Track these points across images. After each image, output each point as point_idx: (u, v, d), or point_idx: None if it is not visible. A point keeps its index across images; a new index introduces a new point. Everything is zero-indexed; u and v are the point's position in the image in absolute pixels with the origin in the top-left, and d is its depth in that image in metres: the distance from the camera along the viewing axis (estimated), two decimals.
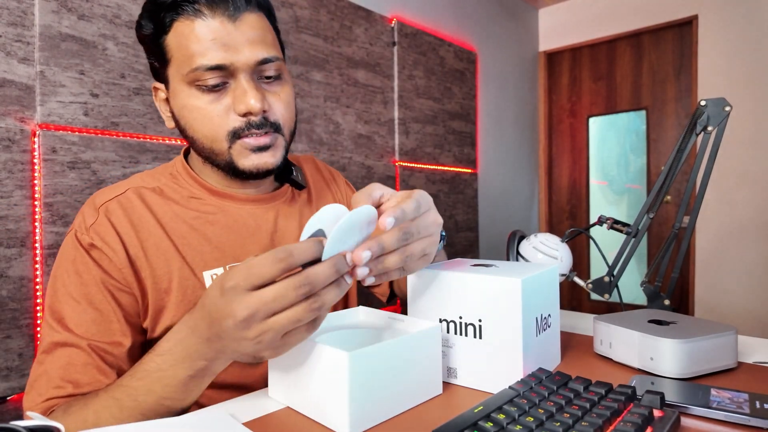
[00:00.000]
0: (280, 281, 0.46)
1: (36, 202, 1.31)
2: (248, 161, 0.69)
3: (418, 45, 2.57)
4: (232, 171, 0.71)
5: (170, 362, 0.54)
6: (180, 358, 0.53)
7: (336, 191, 0.93)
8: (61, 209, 1.34)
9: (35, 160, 1.31)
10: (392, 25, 2.43)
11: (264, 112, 0.68)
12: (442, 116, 2.73)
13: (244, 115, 0.67)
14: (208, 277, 0.71)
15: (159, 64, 0.70)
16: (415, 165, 2.55)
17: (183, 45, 0.65)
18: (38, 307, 1.30)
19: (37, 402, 0.61)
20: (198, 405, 0.70)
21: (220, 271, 0.72)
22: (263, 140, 0.69)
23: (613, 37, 3.35)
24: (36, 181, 1.31)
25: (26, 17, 1.30)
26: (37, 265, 1.30)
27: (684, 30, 3.10)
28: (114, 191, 0.72)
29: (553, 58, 3.69)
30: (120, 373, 0.64)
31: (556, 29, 3.59)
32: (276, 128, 0.70)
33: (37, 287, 1.30)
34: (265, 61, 0.67)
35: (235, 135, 0.68)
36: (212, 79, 0.65)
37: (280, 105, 0.70)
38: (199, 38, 0.64)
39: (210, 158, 0.71)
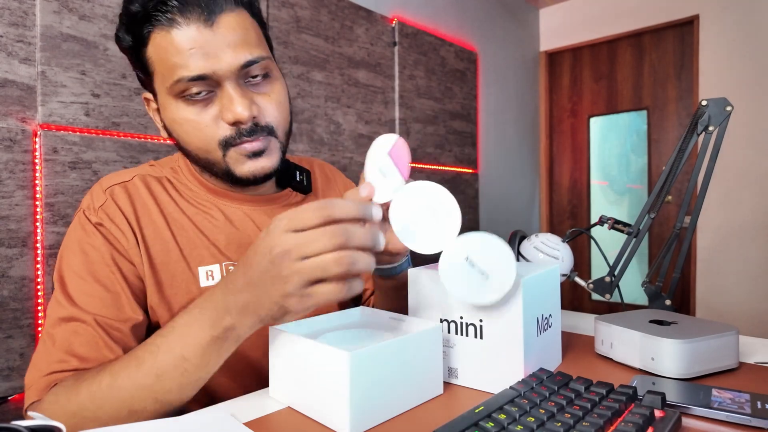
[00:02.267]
0: (318, 228, 0.48)
1: (37, 202, 1.31)
2: (245, 167, 0.68)
3: (419, 45, 2.57)
4: (230, 178, 0.70)
5: (197, 317, 0.54)
6: (207, 315, 0.53)
7: (343, 184, 0.92)
8: (62, 209, 1.34)
9: (36, 161, 1.31)
10: (393, 25, 2.43)
11: (254, 117, 0.66)
12: (442, 116, 2.73)
13: (233, 123, 0.65)
14: (203, 273, 0.70)
15: (144, 77, 0.68)
16: (416, 165, 2.55)
17: (163, 57, 0.63)
18: (39, 308, 1.30)
19: (38, 377, 0.60)
20: (203, 404, 0.70)
21: (215, 267, 0.71)
22: (257, 145, 0.67)
23: (614, 37, 3.35)
24: (37, 181, 1.31)
25: (27, 18, 1.30)
26: (38, 265, 1.30)
27: (685, 30, 3.10)
28: (121, 177, 0.72)
29: (554, 58, 3.69)
30: (127, 350, 0.62)
31: (557, 29, 3.59)
32: (269, 131, 0.68)
33: (39, 287, 1.30)
34: (249, 64, 0.64)
35: (227, 144, 0.66)
36: (196, 90, 0.63)
37: (270, 106, 0.68)
38: (178, 49, 0.62)
39: (207, 168, 0.70)
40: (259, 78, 0.67)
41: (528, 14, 3.55)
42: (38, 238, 1.31)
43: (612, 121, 3.45)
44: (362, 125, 2.26)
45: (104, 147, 1.42)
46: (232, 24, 0.64)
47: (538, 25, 3.67)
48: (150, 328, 0.70)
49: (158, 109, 0.71)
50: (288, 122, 0.72)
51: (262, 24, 0.71)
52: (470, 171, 2.94)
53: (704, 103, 0.87)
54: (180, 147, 0.71)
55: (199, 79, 0.62)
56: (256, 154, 0.68)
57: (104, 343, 0.61)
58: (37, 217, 1.31)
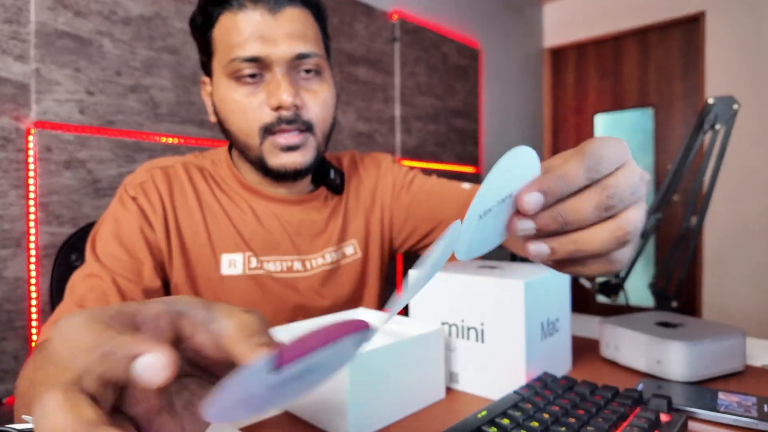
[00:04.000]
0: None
1: (31, 202, 1.30)
2: (278, 159, 0.71)
3: (420, 41, 2.55)
4: (262, 168, 0.73)
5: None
6: None
7: (375, 179, 0.88)
8: (56, 209, 1.33)
9: (30, 160, 1.30)
10: (394, 21, 2.41)
11: (297, 108, 0.68)
12: (444, 114, 2.72)
13: (276, 109, 0.68)
14: (225, 260, 0.73)
15: (206, 58, 0.72)
16: (417, 164, 2.54)
17: (225, 38, 0.68)
18: (33, 309, 1.29)
19: (48, 325, 0.61)
20: None
21: (239, 256, 0.74)
22: (293, 139, 0.70)
23: (619, 34, 3.33)
24: (31, 181, 1.30)
25: (22, 14, 1.29)
26: (32, 266, 1.29)
27: (691, 26, 3.07)
28: (165, 162, 0.77)
29: (558, 54, 3.67)
30: None
31: (561, 25, 3.57)
32: (308, 127, 0.71)
33: (32, 288, 1.29)
34: (302, 56, 0.68)
35: (267, 130, 0.69)
36: (249, 71, 0.67)
37: (315, 103, 0.71)
38: (240, 30, 0.66)
39: (244, 152, 0.73)
40: (310, 74, 0.70)
41: (531, 10, 3.53)
42: (32, 238, 1.29)
43: (617, 118, 3.43)
44: (362, 123, 2.25)
45: (99, 146, 1.41)
46: (294, 17, 0.68)
47: (541, 21, 3.65)
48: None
49: (212, 93, 0.74)
50: (329, 124, 0.75)
51: (325, 32, 0.75)
52: (472, 170, 2.93)
53: (711, 101, 0.86)
54: (223, 128, 0.74)
55: (253, 60, 0.66)
56: (291, 148, 0.70)
57: (115, 301, 0.63)
58: (31, 217, 1.30)
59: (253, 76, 0.68)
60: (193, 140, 1.63)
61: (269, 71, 0.68)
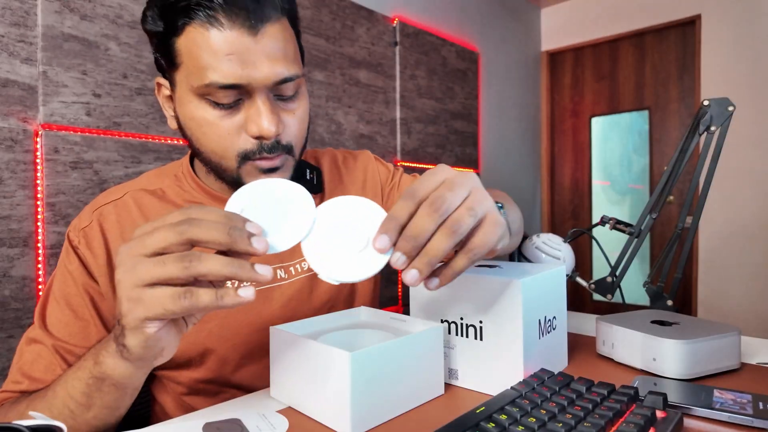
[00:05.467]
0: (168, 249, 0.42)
1: (38, 202, 1.31)
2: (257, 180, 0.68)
3: (420, 45, 2.56)
4: (238, 186, 0.69)
5: (91, 352, 0.53)
6: (95, 351, 0.51)
7: (362, 179, 0.86)
8: (63, 209, 1.34)
9: (38, 160, 1.31)
10: (394, 24, 2.43)
11: (278, 135, 0.63)
12: (444, 116, 2.73)
13: (257, 137, 0.62)
14: None
15: (166, 64, 0.64)
16: (417, 165, 2.55)
17: (195, 54, 0.58)
18: None
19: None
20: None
21: None
22: (275, 162, 0.65)
23: (615, 37, 3.34)
24: (38, 181, 1.31)
25: (29, 17, 1.30)
26: (39, 265, 1.31)
27: (687, 29, 3.09)
28: (113, 195, 0.71)
29: (555, 57, 3.68)
30: None
31: (559, 29, 3.58)
32: (288, 150, 0.66)
33: (40, 287, 1.30)
34: (284, 81, 0.61)
35: (246, 157, 0.63)
36: (225, 98, 0.60)
37: (294, 124, 0.65)
38: (214, 50, 0.57)
39: (216, 171, 0.67)
40: (288, 96, 0.65)
41: (529, 14, 3.55)
42: (39, 237, 1.31)
43: (614, 121, 3.44)
44: (363, 125, 2.26)
45: (105, 147, 1.42)
46: (275, 34, 0.60)
47: (539, 25, 3.67)
48: None
49: (170, 97, 0.67)
50: (305, 139, 0.70)
51: (298, 35, 0.68)
52: (471, 171, 2.94)
53: (706, 103, 0.87)
54: (191, 146, 0.67)
55: (231, 87, 0.59)
56: (271, 170, 0.65)
57: (61, 370, 0.61)
58: (39, 216, 1.31)
59: (229, 102, 0.61)
60: None
61: (248, 95, 0.61)
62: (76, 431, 0.53)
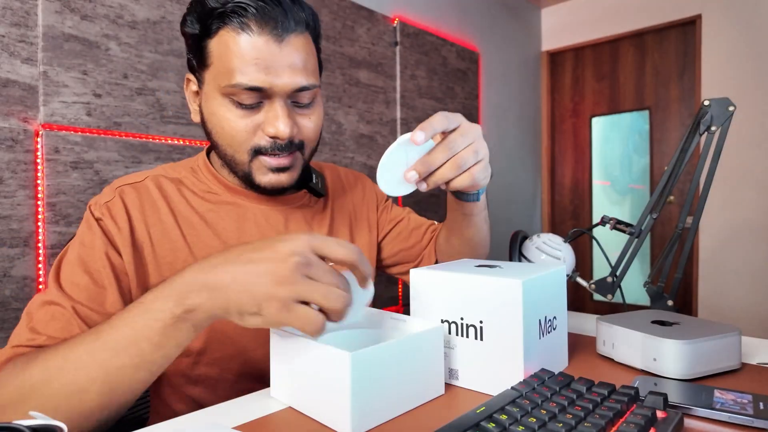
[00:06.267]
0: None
1: (39, 202, 1.31)
2: (265, 178, 0.72)
3: (421, 45, 2.56)
4: (248, 182, 0.73)
5: (163, 293, 0.51)
6: (174, 291, 0.51)
7: (361, 194, 0.94)
8: (63, 209, 1.35)
9: (38, 160, 1.31)
10: (394, 24, 2.43)
11: (291, 136, 0.69)
12: None
13: (273, 137, 0.68)
14: None
15: (197, 64, 0.70)
16: None
17: (224, 56, 0.65)
18: None
19: (4, 349, 0.58)
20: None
21: None
22: (284, 161, 0.71)
23: (616, 37, 3.34)
24: (39, 181, 1.31)
25: (29, 18, 1.30)
26: (39, 265, 1.31)
27: (687, 29, 3.09)
28: (134, 178, 0.75)
29: (555, 57, 3.68)
30: None
31: (559, 29, 3.58)
32: (299, 147, 0.72)
33: (40, 287, 1.30)
34: (302, 89, 0.68)
35: (258, 152, 0.70)
36: (248, 99, 0.66)
37: (308, 127, 0.72)
38: (242, 54, 0.64)
39: (229, 165, 0.73)
40: (305, 103, 0.71)
41: (530, 14, 3.55)
42: (40, 237, 1.31)
43: (614, 121, 3.44)
44: (364, 125, 2.26)
45: (106, 147, 1.43)
46: (298, 45, 0.67)
47: (539, 25, 3.67)
48: None
49: (197, 93, 0.73)
50: (317, 142, 0.77)
51: (319, 50, 0.75)
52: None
53: (706, 103, 0.87)
54: (210, 137, 0.73)
55: (254, 89, 0.65)
56: (281, 169, 0.71)
57: (79, 329, 0.61)
58: (39, 216, 1.31)
59: (251, 103, 0.67)
60: (198, 142, 1.64)
61: (268, 99, 0.67)
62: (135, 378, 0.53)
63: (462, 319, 0.59)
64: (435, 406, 0.54)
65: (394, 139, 2.43)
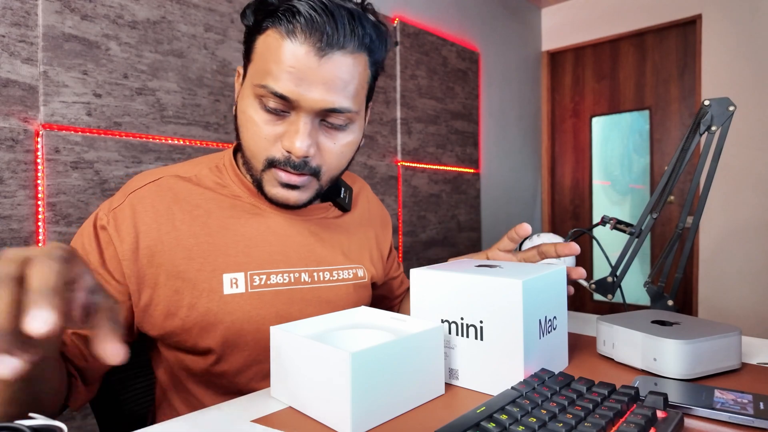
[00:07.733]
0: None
1: (39, 202, 1.31)
2: (274, 190, 0.70)
3: (421, 45, 2.56)
4: (260, 190, 0.72)
5: None
6: None
7: (382, 228, 0.93)
8: (64, 209, 1.34)
9: (38, 160, 1.31)
10: (394, 24, 2.43)
11: (306, 156, 0.66)
12: (444, 116, 2.73)
13: (287, 150, 0.66)
14: (227, 280, 0.68)
15: (244, 57, 0.70)
16: (418, 165, 2.55)
17: (265, 56, 0.64)
18: None
19: None
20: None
21: (240, 276, 0.69)
22: (294, 179, 0.68)
23: (616, 37, 3.34)
24: (39, 181, 1.31)
25: (29, 17, 1.30)
26: None
27: (688, 29, 3.09)
28: (149, 177, 0.72)
29: (556, 57, 3.68)
30: (76, 356, 0.62)
31: (559, 29, 3.58)
32: (314, 172, 0.69)
33: None
34: (331, 111, 0.65)
35: (272, 163, 0.67)
36: (275, 104, 0.64)
37: (330, 154, 0.69)
38: (280, 59, 0.62)
39: (247, 165, 0.72)
40: (337, 125, 0.68)
41: (530, 14, 3.55)
42: (40, 237, 1.31)
43: (614, 120, 3.44)
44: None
45: (106, 147, 1.42)
46: (341, 65, 0.64)
47: (540, 25, 3.67)
48: (148, 337, 0.71)
49: (240, 90, 0.72)
50: (340, 171, 0.74)
51: (374, 78, 0.72)
52: (472, 171, 2.94)
53: (707, 102, 0.87)
54: (237, 135, 0.72)
55: (282, 98, 0.63)
56: (290, 186, 0.69)
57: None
58: (39, 216, 1.31)
59: (275, 109, 0.65)
60: (198, 142, 1.64)
61: (295, 111, 0.65)
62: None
63: (462, 319, 0.59)
64: (435, 406, 0.54)
65: (395, 138, 2.43)
